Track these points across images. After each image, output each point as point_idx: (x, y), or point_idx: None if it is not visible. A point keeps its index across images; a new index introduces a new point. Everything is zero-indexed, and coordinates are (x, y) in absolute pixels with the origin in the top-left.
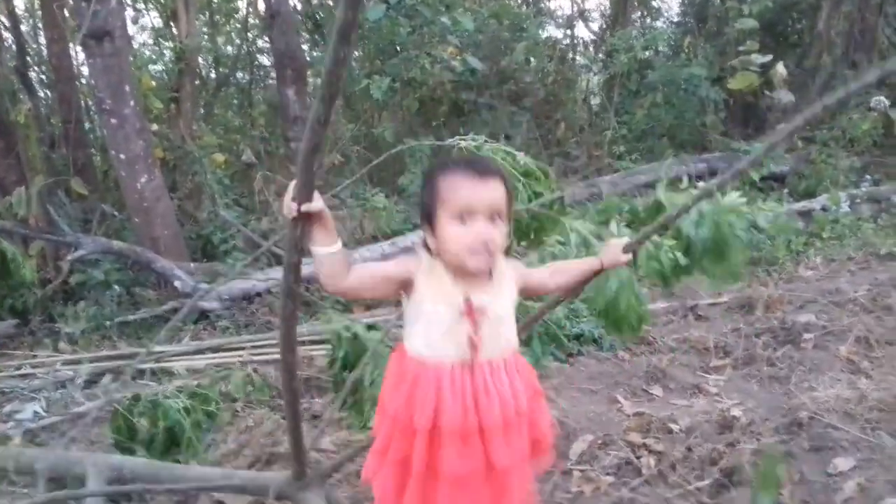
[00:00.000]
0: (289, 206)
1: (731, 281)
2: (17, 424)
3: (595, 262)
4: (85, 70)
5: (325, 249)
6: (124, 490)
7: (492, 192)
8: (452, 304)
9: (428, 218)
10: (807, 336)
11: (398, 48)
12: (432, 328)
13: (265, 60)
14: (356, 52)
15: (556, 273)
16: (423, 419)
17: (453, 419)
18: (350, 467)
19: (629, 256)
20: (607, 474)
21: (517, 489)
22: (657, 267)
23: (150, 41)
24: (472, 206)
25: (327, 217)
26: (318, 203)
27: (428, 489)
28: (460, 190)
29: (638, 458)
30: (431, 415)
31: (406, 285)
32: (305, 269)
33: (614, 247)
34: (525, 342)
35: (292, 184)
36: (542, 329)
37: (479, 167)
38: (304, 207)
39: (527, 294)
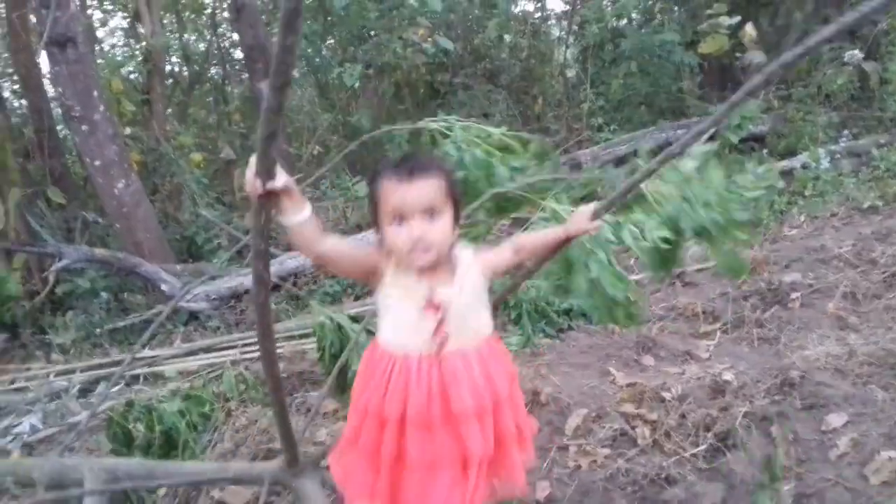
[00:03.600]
0: (252, 186)
1: (737, 273)
2: (15, 438)
3: (559, 231)
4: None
5: (295, 219)
6: (121, 488)
7: (420, 192)
8: (415, 299)
9: (375, 221)
10: (794, 295)
11: (370, 34)
12: (399, 322)
13: (238, 55)
14: (329, 41)
15: (520, 250)
16: (393, 409)
17: (416, 409)
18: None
19: (597, 224)
20: (603, 446)
21: (498, 475)
22: (646, 249)
23: (120, 43)
24: (403, 207)
25: (292, 189)
26: (280, 179)
27: (398, 477)
28: (391, 194)
29: (633, 428)
30: (401, 405)
31: (374, 274)
32: (291, 263)
33: (580, 215)
34: (515, 320)
35: (251, 163)
36: (531, 307)
37: (408, 167)
38: (267, 185)
39: (499, 275)
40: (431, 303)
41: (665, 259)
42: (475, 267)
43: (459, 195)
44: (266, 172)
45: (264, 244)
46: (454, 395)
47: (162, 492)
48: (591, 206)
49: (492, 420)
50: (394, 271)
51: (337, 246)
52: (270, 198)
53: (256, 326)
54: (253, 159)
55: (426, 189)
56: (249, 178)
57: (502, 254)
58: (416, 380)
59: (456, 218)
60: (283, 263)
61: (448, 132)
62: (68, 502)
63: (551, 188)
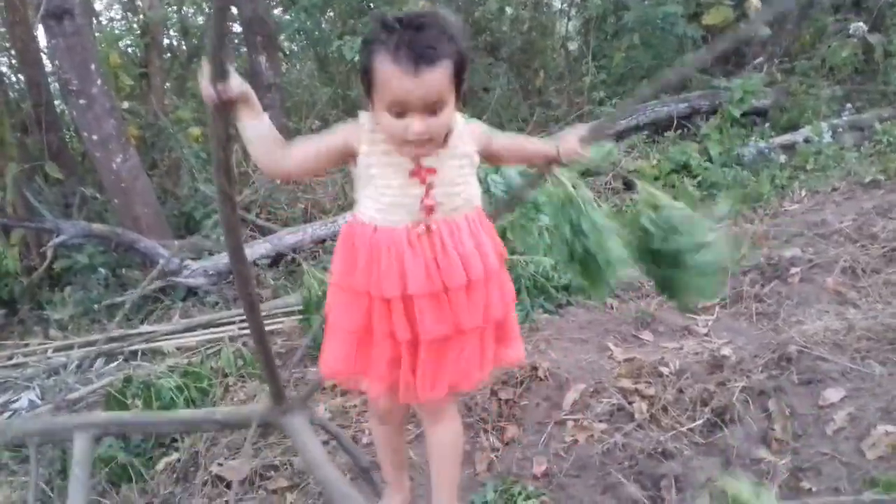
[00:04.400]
0: (209, 93)
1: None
2: (14, 414)
3: (551, 149)
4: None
5: (252, 123)
6: (113, 434)
7: (427, 87)
8: (400, 165)
9: (367, 90)
10: (793, 270)
11: (370, 6)
12: (382, 192)
13: (237, 28)
14: (328, 13)
15: (513, 150)
16: (393, 287)
17: (418, 283)
18: (338, 400)
19: (588, 152)
20: (600, 421)
21: (486, 349)
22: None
23: (118, 17)
24: (405, 102)
25: (250, 96)
26: (235, 83)
27: (414, 355)
28: (392, 83)
29: (630, 403)
30: (400, 281)
31: (350, 154)
32: (290, 239)
33: (570, 138)
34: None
35: (205, 69)
36: (529, 282)
37: (414, 55)
38: (221, 89)
39: (486, 159)
40: (419, 168)
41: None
42: (466, 136)
43: (466, 70)
44: (220, 76)
45: (225, 155)
46: (444, 267)
47: (160, 466)
48: (579, 130)
49: (485, 291)
50: (372, 141)
51: (306, 153)
52: (227, 105)
53: (227, 247)
54: (205, 65)
55: (433, 84)
56: (205, 85)
57: (502, 141)
58: (411, 254)
59: (458, 96)
60: (281, 239)
61: None
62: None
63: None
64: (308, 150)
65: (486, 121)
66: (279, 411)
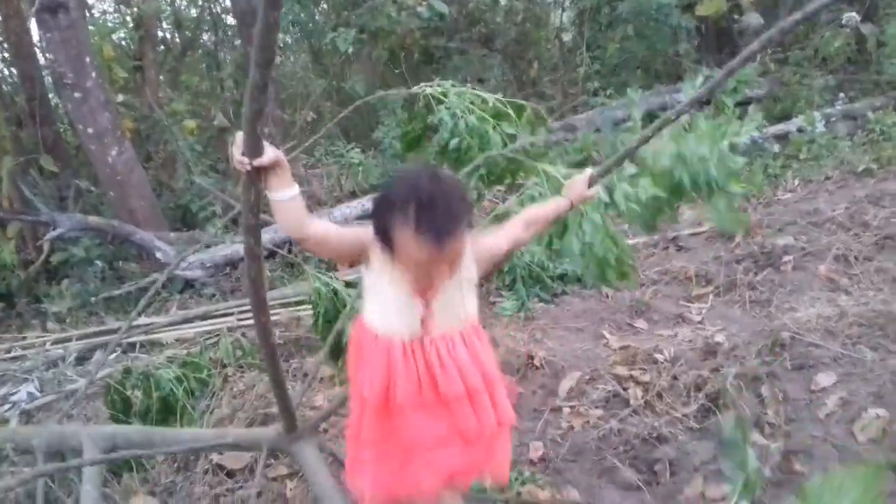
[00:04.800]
0: (240, 162)
1: (737, 226)
2: (13, 406)
3: (564, 203)
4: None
5: (281, 194)
6: (120, 457)
7: (451, 254)
8: (406, 283)
9: (384, 241)
10: (786, 258)
11: None
12: (388, 306)
13: (231, 20)
14: (322, 5)
15: (530, 224)
16: (371, 392)
17: (407, 393)
18: (343, 422)
19: (596, 190)
20: (596, 407)
21: (499, 450)
22: (636, 210)
23: (111, 9)
24: (432, 266)
25: (282, 164)
26: (268, 154)
27: (408, 461)
28: (416, 251)
29: (625, 389)
30: (380, 389)
31: (362, 254)
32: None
33: (578, 183)
34: (509, 285)
35: (238, 138)
36: (525, 272)
37: (440, 229)
38: (255, 162)
39: (494, 261)
40: (425, 290)
41: (654, 214)
42: (469, 254)
43: (472, 216)
44: (253, 150)
45: (255, 219)
46: (441, 380)
47: (161, 455)
48: (587, 173)
49: (487, 398)
50: (384, 258)
51: (324, 230)
52: (259, 174)
53: (250, 300)
54: (239, 137)
55: (455, 249)
56: (236, 155)
57: (499, 239)
58: (403, 364)
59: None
60: (277, 231)
61: (443, 97)
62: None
63: (546, 154)
64: (330, 229)
65: None
66: (290, 439)
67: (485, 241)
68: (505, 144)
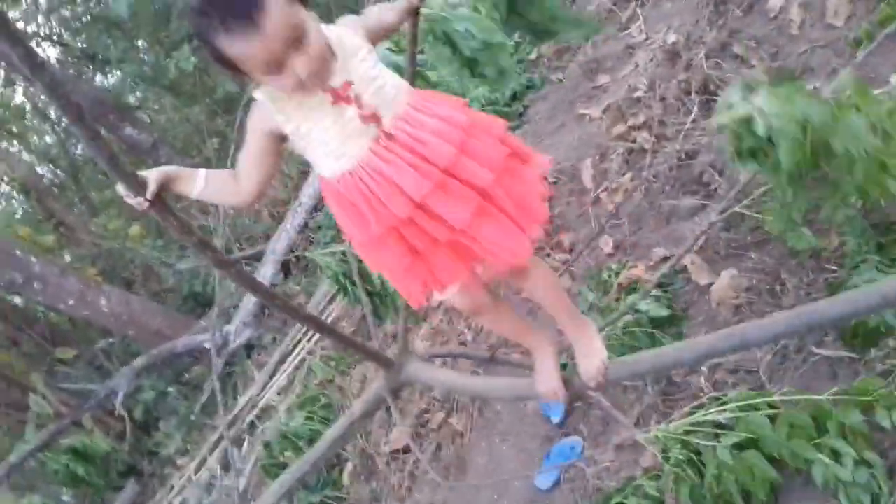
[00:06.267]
0: (139, 204)
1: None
2: None
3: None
4: None
5: (196, 191)
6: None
7: (275, 31)
8: (320, 104)
9: (236, 72)
10: None
11: None
12: (326, 139)
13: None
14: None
15: (384, 25)
16: (400, 206)
17: (417, 185)
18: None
19: None
20: (623, 174)
21: (508, 199)
22: None
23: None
24: (271, 56)
25: (170, 175)
26: (152, 180)
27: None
28: (246, 51)
29: (633, 142)
30: (404, 197)
31: (278, 135)
32: (281, 243)
33: None
34: None
35: (120, 189)
36: None
37: (240, 16)
38: (148, 196)
39: (381, 36)
40: (335, 92)
41: None
42: (346, 36)
43: None
44: (136, 188)
45: (197, 237)
46: (430, 154)
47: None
48: None
49: (478, 142)
50: (278, 106)
51: (248, 171)
52: (160, 201)
53: (301, 324)
54: (120, 188)
55: (278, 24)
56: (132, 201)
57: (363, 18)
58: (394, 168)
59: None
60: (274, 250)
61: None
62: None
63: None
64: (248, 165)
65: None
66: (395, 374)
67: (350, 20)
68: None
